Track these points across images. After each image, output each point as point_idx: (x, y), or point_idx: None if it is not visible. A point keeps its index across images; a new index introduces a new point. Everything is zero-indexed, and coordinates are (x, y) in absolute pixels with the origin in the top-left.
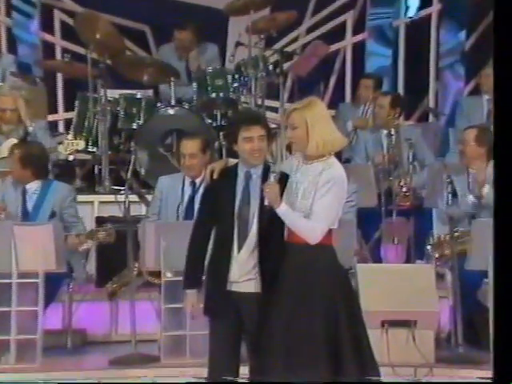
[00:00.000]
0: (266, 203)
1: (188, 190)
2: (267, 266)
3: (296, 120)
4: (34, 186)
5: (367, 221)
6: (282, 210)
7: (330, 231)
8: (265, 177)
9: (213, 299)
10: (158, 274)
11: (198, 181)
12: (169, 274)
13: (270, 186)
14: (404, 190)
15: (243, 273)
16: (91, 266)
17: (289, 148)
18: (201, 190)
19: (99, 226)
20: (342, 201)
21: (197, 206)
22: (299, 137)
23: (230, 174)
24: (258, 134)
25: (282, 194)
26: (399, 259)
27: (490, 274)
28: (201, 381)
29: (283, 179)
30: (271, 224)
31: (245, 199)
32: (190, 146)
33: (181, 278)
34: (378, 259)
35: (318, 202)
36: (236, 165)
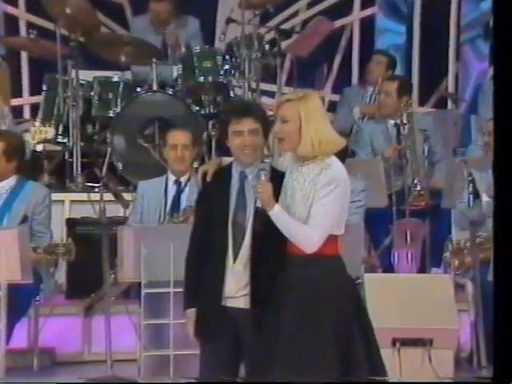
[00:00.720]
0: (258, 205)
1: (172, 191)
2: (261, 279)
3: (288, 112)
4: (6, 185)
5: (376, 223)
6: (275, 212)
7: (335, 240)
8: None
9: (206, 317)
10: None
11: (183, 179)
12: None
13: (261, 185)
14: (418, 188)
15: (240, 286)
16: (61, 275)
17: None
18: (187, 190)
19: (70, 230)
20: (344, 205)
21: (182, 206)
22: (289, 132)
23: (223, 175)
24: (248, 127)
25: (277, 195)
26: (413, 268)
27: None
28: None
29: (277, 178)
30: (267, 230)
31: (240, 203)
32: (183, 136)
33: (163, 290)
34: (388, 267)
35: (315, 205)
36: (230, 164)
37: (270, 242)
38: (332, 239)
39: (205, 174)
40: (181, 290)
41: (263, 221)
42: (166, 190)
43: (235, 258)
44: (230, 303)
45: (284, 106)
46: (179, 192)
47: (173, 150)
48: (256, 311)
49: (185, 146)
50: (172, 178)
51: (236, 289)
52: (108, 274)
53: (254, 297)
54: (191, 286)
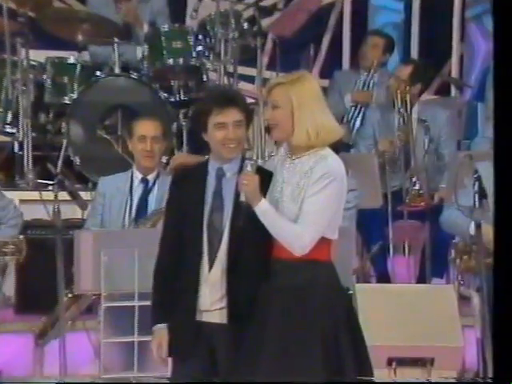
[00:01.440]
0: (242, 199)
1: (138, 190)
2: (240, 290)
3: (279, 97)
4: None
5: (370, 226)
6: (262, 207)
7: (327, 244)
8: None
9: (179, 334)
10: None
11: (151, 177)
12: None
13: (247, 175)
14: (417, 186)
15: (216, 298)
16: (9, 287)
17: (269, 131)
18: (155, 190)
19: (20, 233)
20: (340, 203)
21: (150, 208)
22: (281, 119)
23: (198, 172)
24: (233, 118)
25: (264, 192)
26: (411, 277)
27: None
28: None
29: (265, 177)
30: (248, 232)
31: (216, 204)
32: (153, 127)
33: (127, 303)
34: (383, 277)
35: (307, 201)
36: (206, 161)
37: (250, 246)
38: (324, 243)
39: (177, 167)
40: (147, 303)
41: (244, 220)
42: (131, 189)
43: (211, 265)
44: (205, 318)
45: (275, 90)
46: (146, 192)
47: (141, 143)
48: (234, 326)
49: (155, 138)
50: (138, 175)
51: (211, 301)
52: (63, 285)
53: (232, 310)
54: (160, 298)
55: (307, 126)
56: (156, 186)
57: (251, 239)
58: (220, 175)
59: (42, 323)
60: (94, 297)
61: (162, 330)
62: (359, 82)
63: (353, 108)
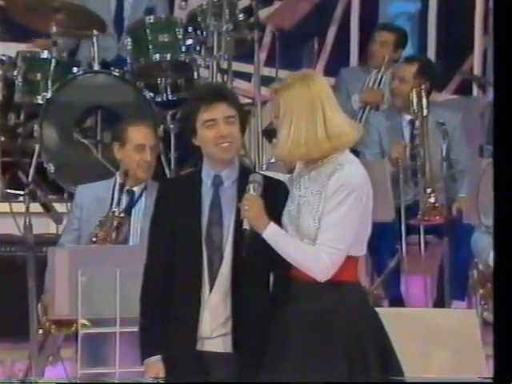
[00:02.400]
0: (245, 226)
1: (122, 203)
2: (246, 313)
3: (275, 105)
4: None
5: (380, 242)
6: (271, 233)
7: (354, 262)
8: (243, 183)
9: (178, 367)
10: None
11: (137, 189)
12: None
13: (249, 200)
14: (431, 199)
15: (217, 324)
16: None
17: (268, 135)
18: (142, 204)
19: None
20: (365, 214)
21: (134, 223)
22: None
23: (189, 182)
24: (224, 114)
25: (277, 211)
26: (428, 299)
27: None
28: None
29: (275, 188)
30: (254, 246)
31: (214, 217)
32: (151, 134)
33: (107, 330)
34: (396, 299)
35: (325, 219)
36: (199, 168)
37: (258, 263)
38: (350, 261)
39: (166, 181)
40: (130, 329)
41: (252, 242)
42: (112, 200)
43: (211, 286)
44: (206, 346)
45: (274, 99)
46: (131, 205)
47: (138, 153)
48: (240, 356)
49: (153, 147)
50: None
51: (213, 327)
52: (35, 311)
53: (238, 336)
54: (151, 326)
55: (285, 137)
56: (143, 198)
57: (258, 255)
58: (217, 184)
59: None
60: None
61: (156, 362)
62: (369, 81)
63: (361, 109)
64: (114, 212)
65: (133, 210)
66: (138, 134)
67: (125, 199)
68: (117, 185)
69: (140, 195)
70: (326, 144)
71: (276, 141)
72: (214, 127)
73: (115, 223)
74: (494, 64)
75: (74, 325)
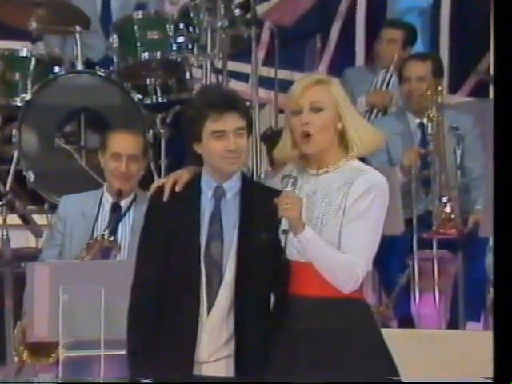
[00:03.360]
0: (284, 227)
1: (107, 217)
2: (249, 334)
3: (322, 97)
4: None
5: (389, 258)
6: (308, 235)
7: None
8: (246, 194)
9: None
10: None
11: (124, 203)
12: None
13: (289, 197)
14: (447, 209)
15: (216, 346)
16: None
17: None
18: (129, 218)
19: None
20: (382, 224)
21: (122, 240)
22: (326, 125)
23: (188, 191)
24: (234, 126)
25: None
26: (441, 320)
27: None
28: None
29: (273, 195)
30: (258, 263)
31: (214, 231)
32: (132, 142)
33: (90, 353)
34: (406, 320)
35: (352, 226)
36: (198, 177)
37: (261, 281)
38: None
39: (159, 190)
40: (116, 352)
41: (252, 250)
42: (98, 214)
43: (210, 306)
44: (204, 371)
45: (314, 88)
46: (117, 221)
47: (114, 161)
48: (242, 380)
49: (133, 156)
50: (109, 198)
51: (211, 350)
52: (11, 332)
53: (241, 359)
54: (141, 349)
55: (360, 130)
56: (131, 213)
57: (262, 272)
58: (219, 195)
59: None
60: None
61: None
62: (376, 82)
63: (368, 113)
64: (102, 235)
65: (120, 226)
66: (117, 142)
67: (111, 215)
68: (104, 198)
69: (128, 209)
70: (378, 136)
71: (322, 138)
72: (223, 139)
73: (103, 248)
74: (493, 64)
75: (53, 355)
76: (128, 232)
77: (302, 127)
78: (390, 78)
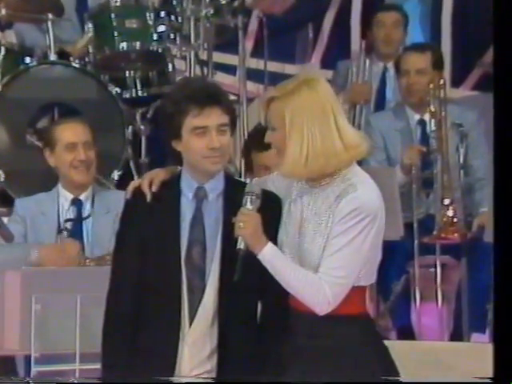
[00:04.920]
0: (239, 245)
1: (70, 214)
2: (234, 347)
3: (273, 116)
4: None
5: (388, 264)
6: (268, 254)
7: (362, 292)
8: (230, 196)
9: None
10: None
11: (83, 197)
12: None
13: (245, 215)
14: (450, 212)
15: (198, 360)
16: None
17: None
18: (92, 213)
19: None
20: (378, 242)
21: (87, 237)
22: (278, 144)
23: (166, 192)
24: (217, 121)
25: (268, 231)
26: (443, 331)
27: None
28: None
29: (271, 205)
30: (246, 275)
31: (196, 235)
32: (82, 130)
33: (64, 367)
34: (406, 331)
35: (330, 244)
36: (177, 177)
37: (248, 291)
38: (358, 292)
39: (136, 191)
40: (93, 366)
41: (245, 266)
42: (59, 213)
43: (192, 318)
44: None
45: (270, 107)
46: (79, 216)
47: (70, 152)
48: None
49: (87, 144)
50: (67, 195)
51: (192, 365)
52: None
53: (224, 374)
54: (116, 364)
55: (297, 152)
56: (93, 207)
57: (248, 280)
58: (200, 197)
59: None
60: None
61: None
62: (350, 74)
63: (351, 111)
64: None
65: (83, 223)
66: (67, 132)
67: (72, 210)
68: (61, 196)
69: (91, 205)
70: (344, 155)
71: (282, 158)
72: (205, 136)
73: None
74: (493, 64)
75: None
76: (91, 227)
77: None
78: (386, 72)
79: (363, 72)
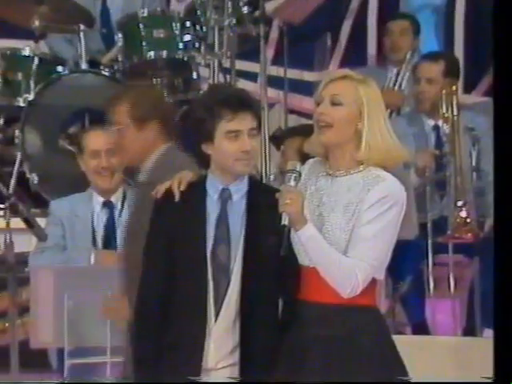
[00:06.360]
0: (284, 222)
1: (102, 217)
2: (257, 340)
3: (344, 92)
4: None
5: (403, 262)
6: (308, 232)
7: (374, 285)
8: (253, 197)
9: None
10: None
11: (114, 199)
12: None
13: (290, 192)
14: (463, 213)
15: (223, 354)
16: None
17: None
18: (124, 214)
19: None
20: (396, 234)
21: (120, 237)
22: (341, 120)
23: (191, 194)
24: (249, 125)
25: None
26: (456, 326)
27: None
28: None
29: (270, 195)
30: (266, 267)
31: (221, 235)
32: (106, 137)
33: (96, 360)
34: (420, 326)
35: (361, 230)
36: (204, 179)
37: (269, 286)
38: (370, 284)
39: (165, 192)
40: (121, 359)
41: (260, 253)
42: (93, 215)
43: (217, 312)
44: (212, 377)
45: (338, 83)
46: (112, 218)
47: (93, 159)
48: None
49: (110, 151)
50: (98, 198)
51: (218, 358)
52: (15, 337)
53: (246, 367)
54: (146, 356)
55: (384, 137)
56: (124, 210)
57: (270, 277)
58: (225, 198)
59: None
60: None
61: None
62: (388, 80)
63: None
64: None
65: (117, 224)
66: (92, 140)
67: (105, 212)
68: (94, 198)
69: (121, 206)
70: (403, 151)
71: (335, 134)
72: (238, 140)
73: None
74: (493, 64)
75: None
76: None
77: (317, 116)
78: (403, 77)
79: (400, 82)
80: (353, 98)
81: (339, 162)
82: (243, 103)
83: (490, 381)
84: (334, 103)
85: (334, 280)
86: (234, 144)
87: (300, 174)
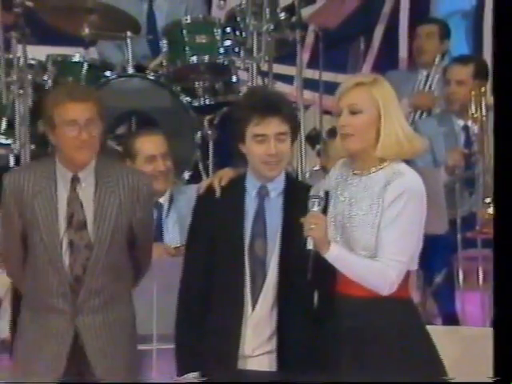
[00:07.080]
0: (309, 246)
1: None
2: (293, 329)
3: (361, 100)
4: None
5: (434, 256)
6: (334, 253)
7: (406, 277)
8: (290, 194)
9: None
10: None
11: (163, 200)
12: None
13: (314, 217)
14: (491, 210)
15: (260, 341)
16: (4, 325)
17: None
18: (173, 215)
19: None
20: (421, 225)
21: (167, 235)
22: (363, 127)
23: (232, 190)
24: (275, 130)
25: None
26: (485, 317)
27: None
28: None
29: (302, 191)
30: (301, 260)
31: (258, 229)
32: (160, 141)
33: (143, 347)
34: (451, 317)
35: (386, 230)
36: (243, 176)
37: (304, 278)
38: (404, 276)
39: (211, 185)
40: (168, 346)
41: (296, 248)
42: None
43: (254, 302)
44: (248, 365)
45: (353, 91)
46: (160, 218)
47: (149, 164)
48: (283, 375)
49: (165, 155)
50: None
51: (255, 345)
52: None
53: (283, 354)
54: (189, 342)
55: (398, 132)
56: (172, 210)
57: (305, 271)
58: (262, 195)
59: None
60: None
61: (193, 379)
62: (418, 83)
63: (411, 114)
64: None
65: (164, 224)
66: (147, 145)
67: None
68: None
69: (169, 207)
70: (416, 141)
71: (360, 142)
72: (264, 143)
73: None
74: (493, 63)
75: None
76: (171, 226)
77: (340, 129)
78: (433, 79)
79: (430, 83)
80: (370, 103)
81: (365, 162)
82: (272, 108)
83: (489, 381)
84: (353, 112)
85: (369, 284)
86: (261, 147)
87: (323, 199)
